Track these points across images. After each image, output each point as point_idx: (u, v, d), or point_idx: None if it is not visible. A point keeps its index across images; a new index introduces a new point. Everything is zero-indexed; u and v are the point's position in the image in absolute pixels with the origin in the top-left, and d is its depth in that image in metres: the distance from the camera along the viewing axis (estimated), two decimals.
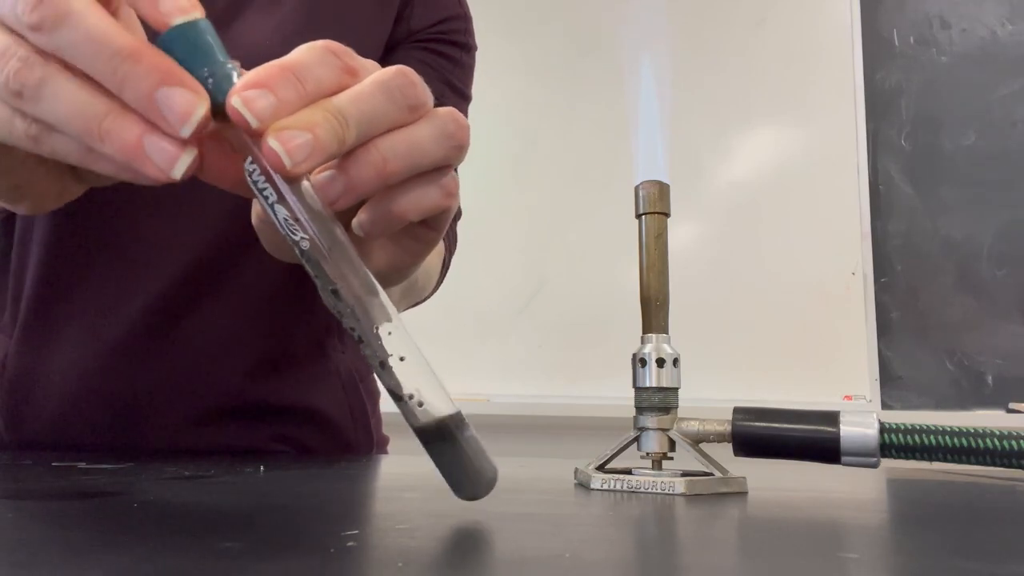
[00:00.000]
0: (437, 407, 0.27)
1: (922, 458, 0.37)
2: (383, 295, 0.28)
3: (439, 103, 0.61)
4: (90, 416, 0.60)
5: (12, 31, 0.25)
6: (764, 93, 1.79)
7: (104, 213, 0.58)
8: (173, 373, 0.61)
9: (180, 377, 0.61)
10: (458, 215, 0.75)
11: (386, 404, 0.79)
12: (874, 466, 0.38)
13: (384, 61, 0.69)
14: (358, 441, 0.72)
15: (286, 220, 0.27)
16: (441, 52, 0.73)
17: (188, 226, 0.60)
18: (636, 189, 0.43)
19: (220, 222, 0.60)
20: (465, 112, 0.75)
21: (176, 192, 0.56)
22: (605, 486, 0.38)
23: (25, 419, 0.60)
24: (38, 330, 0.60)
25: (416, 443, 0.28)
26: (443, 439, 0.27)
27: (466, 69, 0.76)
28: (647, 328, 0.42)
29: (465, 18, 0.75)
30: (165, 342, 0.60)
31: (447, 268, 0.73)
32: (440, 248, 0.68)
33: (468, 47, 0.76)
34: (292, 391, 0.65)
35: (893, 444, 0.37)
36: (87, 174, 0.35)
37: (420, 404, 0.27)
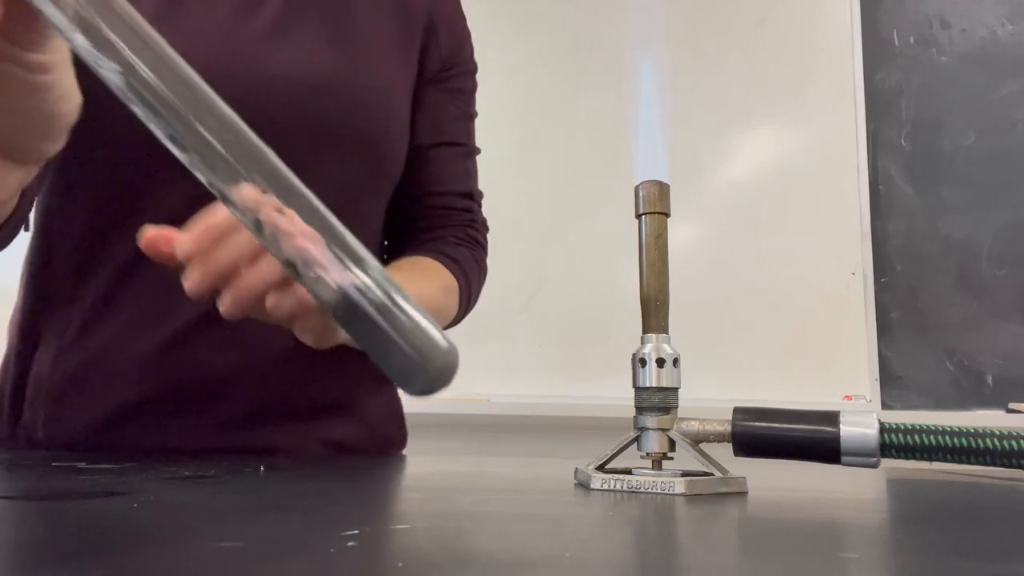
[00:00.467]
0: (337, 277, 0.24)
1: (922, 458, 0.37)
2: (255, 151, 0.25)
3: (461, 137, 0.76)
4: (136, 418, 0.60)
5: None
6: (764, 93, 1.79)
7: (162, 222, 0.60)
8: (215, 375, 0.61)
9: (223, 377, 0.62)
10: (483, 243, 0.79)
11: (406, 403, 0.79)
12: (874, 466, 0.38)
13: (421, 102, 0.72)
14: (393, 436, 0.74)
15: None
16: (462, 88, 0.77)
17: None
18: (636, 189, 0.43)
19: None
20: (472, 129, 0.79)
21: None
22: (605, 486, 0.38)
23: (67, 419, 0.60)
24: (94, 335, 0.60)
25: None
26: (357, 315, 0.24)
27: (475, 91, 0.80)
28: (647, 328, 0.42)
29: (471, 39, 0.79)
30: (210, 345, 0.60)
31: (470, 300, 0.76)
32: (452, 286, 0.71)
33: (476, 70, 0.80)
34: (336, 388, 0.66)
35: (893, 444, 0.37)
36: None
37: (314, 275, 0.24)
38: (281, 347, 0.62)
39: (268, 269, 0.41)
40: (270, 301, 0.41)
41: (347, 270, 0.25)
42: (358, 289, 0.25)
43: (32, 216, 0.64)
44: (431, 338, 0.25)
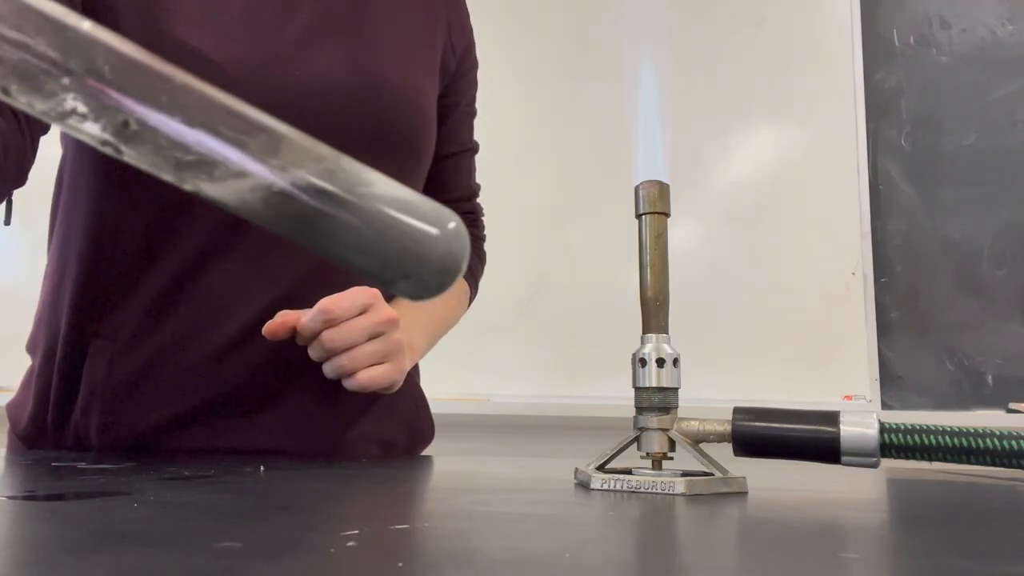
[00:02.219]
0: (256, 172, 0.19)
1: (922, 458, 0.37)
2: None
3: (467, 141, 0.83)
4: (193, 422, 0.61)
5: None
6: (764, 93, 1.79)
7: (217, 238, 0.60)
8: (271, 378, 0.62)
9: (279, 380, 0.62)
10: (482, 237, 0.85)
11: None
12: (874, 466, 0.38)
13: (438, 113, 0.74)
14: (425, 430, 0.76)
15: None
16: (469, 90, 0.80)
17: (285, 252, 0.62)
18: (636, 189, 0.43)
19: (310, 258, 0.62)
20: (473, 126, 0.82)
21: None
22: (605, 486, 0.38)
23: (123, 425, 0.60)
24: (150, 339, 0.60)
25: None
26: (303, 215, 0.20)
27: (477, 89, 0.82)
28: (647, 328, 0.42)
29: (472, 32, 0.81)
30: (267, 349, 0.61)
31: (474, 295, 0.83)
32: (464, 290, 0.79)
33: (477, 67, 0.82)
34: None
35: (893, 444, 0.37)
36: None
37: (223, 175, 0.19)
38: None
39: (372, 349, 0.58)
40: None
41: (274, 163, 0.20)
42: (295, 185, 0.20)
43: (65, 217, 0.63)
44: (419, 222, 0.20)
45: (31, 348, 0.66)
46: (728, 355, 1.69)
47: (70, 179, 0.63)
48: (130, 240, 0.60)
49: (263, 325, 0.58)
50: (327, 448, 0.65)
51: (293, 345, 0.59)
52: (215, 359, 0.60)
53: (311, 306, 0.58)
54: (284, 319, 0.56)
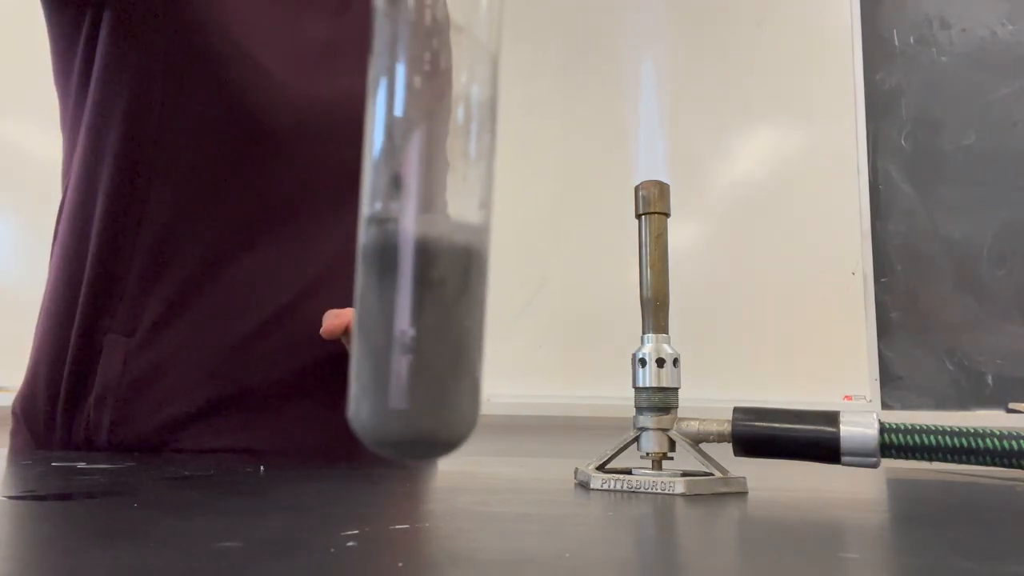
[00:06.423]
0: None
1: (922, 458, 0.37)
2: None
3: None
4: (205, 420, 0.60)
5: None
6: (764, 93, 1.79)
7: (236, 233, 0.61)
8: (283, 376, 0.62)
9: (291, 378, 0.63)
10: None
11: None
12: (874, 466, 0.38)
13: None
14: None
15: None
16: None
17: (303, 251, 0.63)
18: (636, 189, 0.43)
19: (327, 253, 0.64)
20: None
21: (297, 222, 0.62)
22: (605, 486, 0.38)
23: (134, 422, 0.60)
24: (165, 336, 0.60)
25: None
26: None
27: None
28: (647, 328, 0.42)
29: None
30: (280, 346, 0.61)
31: None
32: None
33: None
34: None
35: (893, 444, 0.37)
36: None
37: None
38: (343, 347, 0.63)
39: None
40: None
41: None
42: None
43: (75, 213, 0.63)
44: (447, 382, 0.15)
45: (36, 345, 0.66)
46: (728, 355, 1.69)
47: (81, 178, 0.63)
48: (148, 237, 0.60)
49: (282, 319, 0.58)
50: (343, 447, 0.65)
51: (309, 342, 0.59)
52: (231, 355, 0.60)
53: (329, 301, 0.58)
54: (339, 320, 0.56)
